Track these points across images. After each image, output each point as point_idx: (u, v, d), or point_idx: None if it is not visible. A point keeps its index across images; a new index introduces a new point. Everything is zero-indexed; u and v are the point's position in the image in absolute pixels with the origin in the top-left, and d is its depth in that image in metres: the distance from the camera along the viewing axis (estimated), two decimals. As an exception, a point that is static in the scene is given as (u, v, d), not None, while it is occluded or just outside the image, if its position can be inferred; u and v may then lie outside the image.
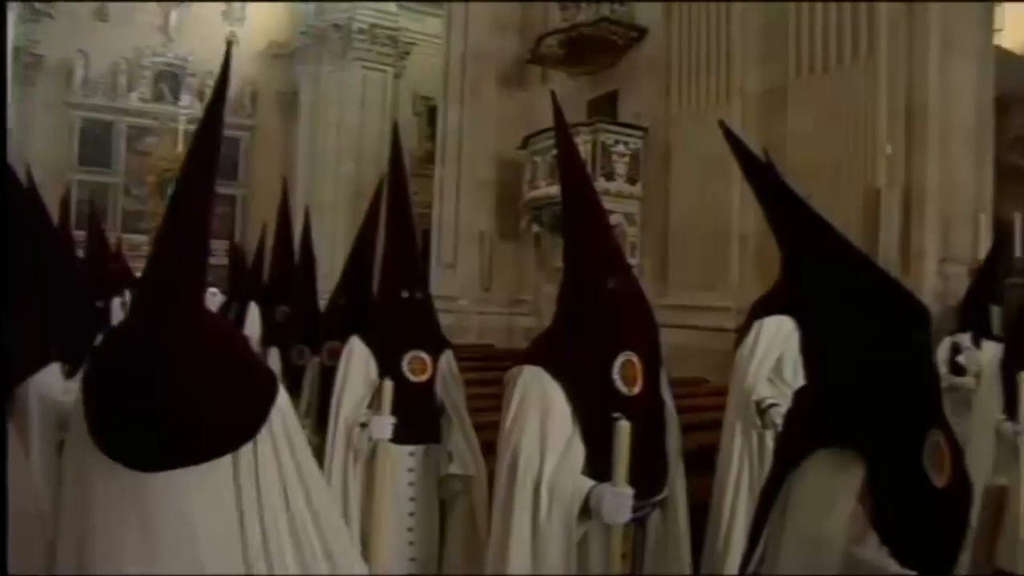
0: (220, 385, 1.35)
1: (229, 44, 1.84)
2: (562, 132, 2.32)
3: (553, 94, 2.52)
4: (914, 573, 1.46)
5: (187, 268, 1.36)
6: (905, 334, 1.58)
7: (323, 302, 3.87)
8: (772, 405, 3.00)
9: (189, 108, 16.38)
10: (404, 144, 3.19)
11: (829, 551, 1.47)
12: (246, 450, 1.31)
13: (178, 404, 1.27)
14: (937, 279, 6.10)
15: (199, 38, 16.80)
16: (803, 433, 1.66)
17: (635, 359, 1.97)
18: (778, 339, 3.03)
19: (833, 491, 1.50)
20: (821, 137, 6.58)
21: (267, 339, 4.29)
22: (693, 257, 7.68)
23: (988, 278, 4.52)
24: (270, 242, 4.84)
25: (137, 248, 14.21)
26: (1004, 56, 9.16)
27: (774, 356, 3.05)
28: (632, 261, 8.41)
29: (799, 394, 1.86)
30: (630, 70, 9.24)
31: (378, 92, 16.10)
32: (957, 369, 4.86)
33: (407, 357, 2.74)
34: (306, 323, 3.90)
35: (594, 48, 9.22)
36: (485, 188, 10.69)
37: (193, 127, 15.78)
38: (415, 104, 16.25)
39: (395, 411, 2.61)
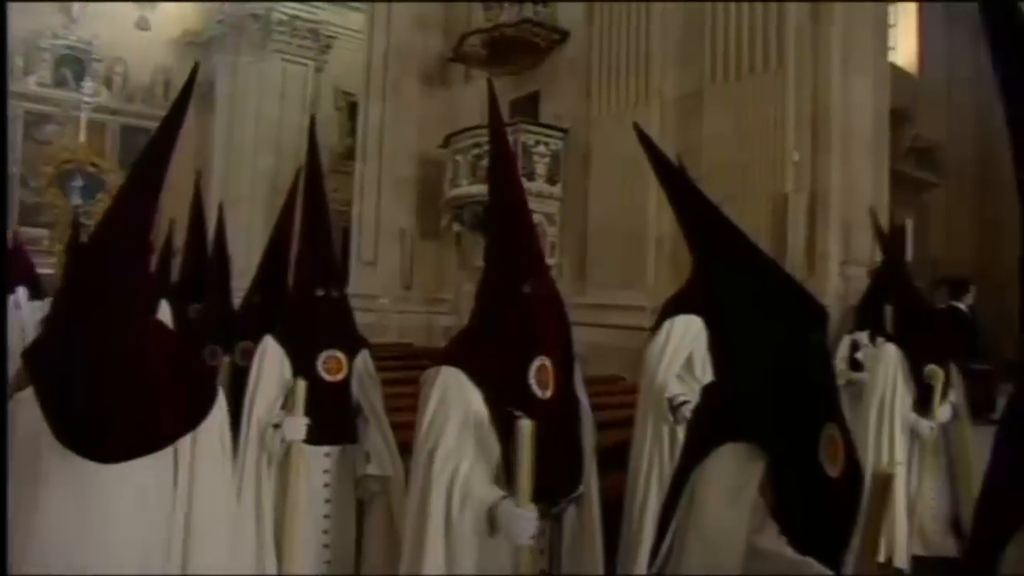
0: (166, 383, 1.54)
1: (194, 72, 1.84)
2: (496, 124, 2.30)
3: (490, 82, 2.52)
4: (809, 559, 1.55)
5: (131, 278, 1.48)
6: (803, 334, 1.67)
7: (238, 300, 3.77)
8: (684, 402, 3.10)
9: (93, 95, 15.58)
10: (324, 140, 3.15)
11: (732, 542, 1.53)
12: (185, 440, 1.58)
13: (129, 404, 1.48)
14: (839, 280, 6.43)
15: (105, 20, 15.98)
16: (708, 429, 1.72)
17: (549, 363, 2.00)
18: (688, 338, 3.13)
19: (736, 484, 1.56)
20: (734, 142, 6.83)
21: (178, 338, 4.14)
22: (611, 257, 7.84)
23: (884, 280, 4.77)
24: (181, 237, 4.67)
25: (37, 242, 13.44)
26: (897, 73, 9.74)
27: (684, 354, 3.15)
28: (551, 261, 8.53)
29: (706, 391, 1.93)
30: (552, 71, 9.35)
31: (298, 85, 15.73)
32: (856, 365, 5.13)
33: (322, 356, 2.70)
34: (219, 322, 3.79)
35: (516, 49, 9.29)
36: (406, 186, 10.61)
37: (98, 116, 14.96)
38: (336, 99, 15.96)
39: (309, 411, 2.57)
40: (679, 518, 1.65)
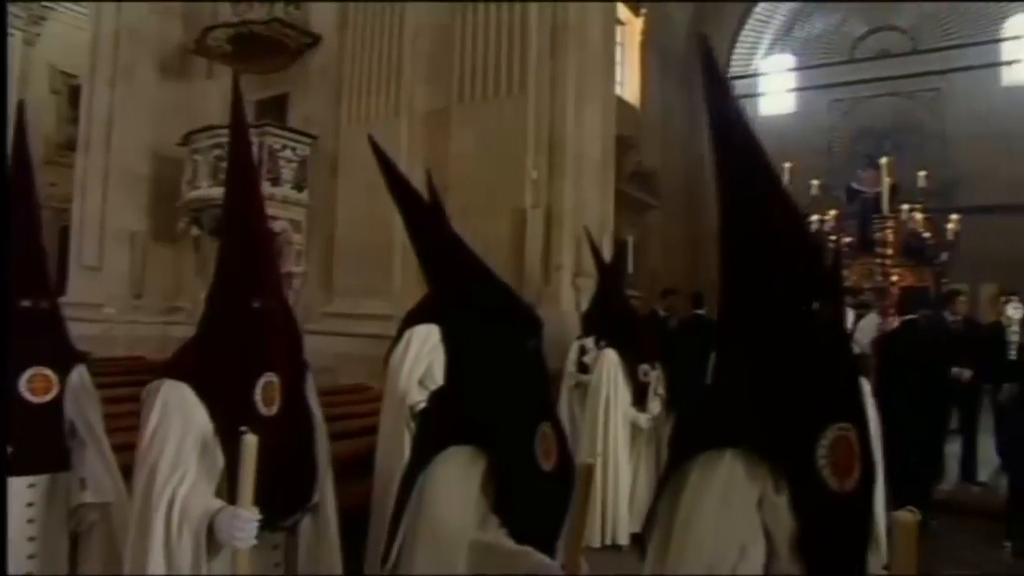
0: None
1: None
2: (238, 124, 2.19)
3: (236, 79, 2.41)
4: (528, 548, 1.71)
5: None
6: (521, 340, 1.84)
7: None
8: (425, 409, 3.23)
9: None
10: (36, 126, 2.81)
11: (457, 540, 1.64)
12: None
13: None
14: (572, 290, 7.04)
15: None
16: (434, 432, 1.83)
17: (277, 380, 1.98)
18: (427, 346, 3.27)
19: (459, 484, 1.68)
20: (479, 159, 7.20)
21: None
22: (358, 265, 7.83)
23: (605, 290, 5.31)
24: None
25: None
26: (623, 105, 10.90)
27: (424, 363, 3.29)
28: (297, 269, 8.31)
29: (433, 396, 2.06)
30: (302, 75, 9.12)
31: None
32: (584, 368, 5.65)
33: (26, 376, 2.42)
34: None
35: (265, 48, 8.93)
36: (138, 184, 9.65)
37: None
38: (53, 80, 14.11)
39: (11, 438, 2.30)
40: (408, 518, 1.73)
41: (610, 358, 4.75)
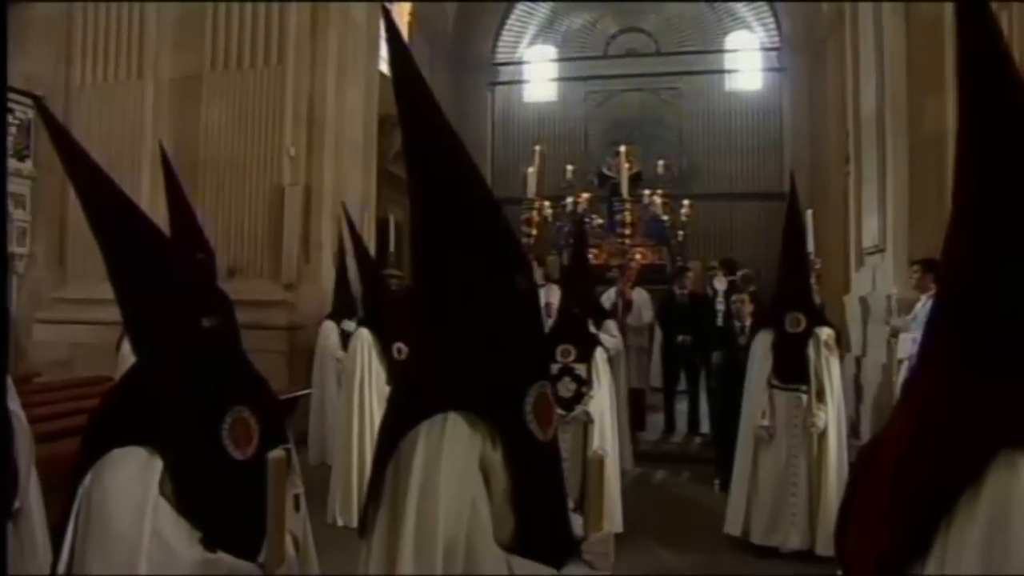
0: None
1: None
2: None
3: None
4: (222, 554, 1.55)
5: None
6: (197, 321, 1.65)
7: None
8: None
9: None
10: None
11: (129, 543, 1.50)
12: None
13: None
14: (332, 269, 6.97)
15: None
16: (100, 435, 1.64)
17: None
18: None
19: (131, 485, 1.53)
20: (234, 133, 6.85)
21: None
22: (95, 246, 7.09)
23: (361, 268, 5.26)
24: None
25: None
26: (389, 86, 10.88)
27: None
28: (21, 249, 7.39)
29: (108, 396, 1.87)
30: (21, 26, 8.00)
31: None
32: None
33: None
34: None
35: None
36: None
37: None
38: None
39: None
40: (77, 524, 1.56)
41: (364, 337, 4.78)
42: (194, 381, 1.61)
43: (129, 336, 1.75)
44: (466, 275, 1.40)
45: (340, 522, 4.63)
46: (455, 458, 1.29)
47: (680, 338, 7.53)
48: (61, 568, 1.53)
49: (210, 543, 1.57)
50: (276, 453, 1.55)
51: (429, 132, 1.46)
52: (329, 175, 7.00)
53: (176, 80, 7.27)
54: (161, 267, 1.68)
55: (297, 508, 1.75)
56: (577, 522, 1.46)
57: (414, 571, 1.26)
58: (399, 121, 1.47)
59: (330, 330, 5.98)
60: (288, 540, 1.57)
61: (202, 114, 6.96)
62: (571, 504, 1.50)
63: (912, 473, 1.25)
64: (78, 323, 6.44)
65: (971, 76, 1.26)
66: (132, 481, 1.52)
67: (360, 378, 4.86)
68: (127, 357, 3.17)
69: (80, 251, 7.24)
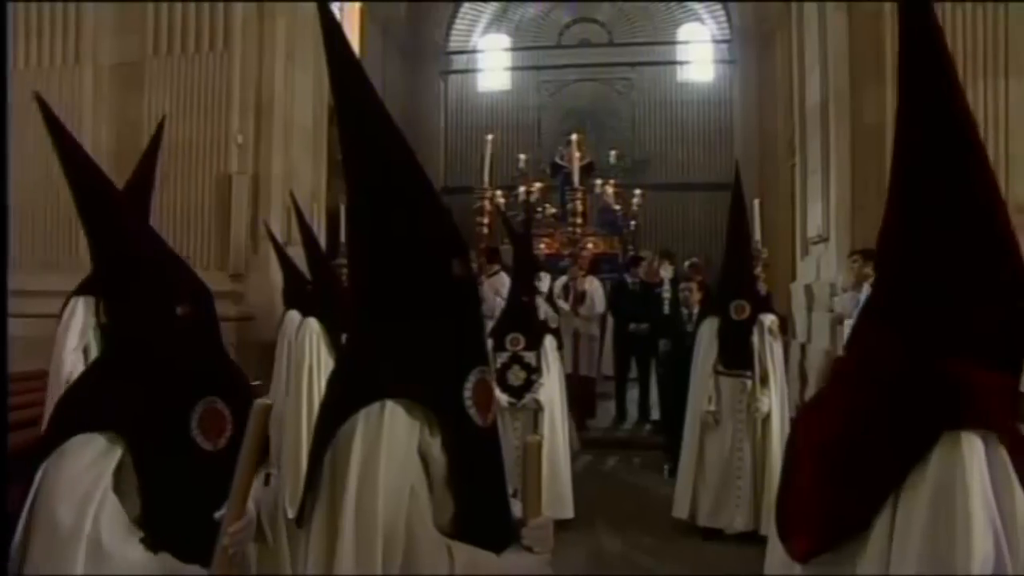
0: None
1: None
2: None
3: None
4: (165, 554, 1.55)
5: None
6: (172, 309, 1.72)
7: None
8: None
9: None
10: None
11: (69, 536, 1.48)
12: None
13: None
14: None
15: None
16: (65, 420, 1.62)
17: None
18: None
19: (80, 477, 1.51)
20: (179, 120, 6.67)
21: None
22: (35, 236, 6.90)
23: (310, 258, 5.19)
24: None
25: None
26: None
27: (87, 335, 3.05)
28: (-46, 238, 7.11)
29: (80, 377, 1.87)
30: (-49, 7, 7.70)
31: None
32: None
33: None
34: None
35: None
36: None
37: None
38: None
39: None
40: (27, 519, 1.53)
41: (312, 327, 4.73)
42: (163, 367, 1.60)
43: (108, 318, 1.78)
44: (400, 261, 1.39)
45: (291, 514, 4.59)
46: (394, 446, 1.29)
47: (633, 326, 7.65)
48: (13, 553, 1.49)
49: (162, 538, 1.55)
50: (261, 401, 1.51)
51: (362, 116, 1.44)
52: (278, 163, 6.88)
53: (116, 66, 7.05)
54: (140, 255, 1.69)
55: (267, 483, 1.71)
56: (518, 507, 1.46)
57: (354, 560, 1.25)
58: (334, 103, 1.45)
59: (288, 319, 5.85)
60: (251, 502, 1.52)
61: (145, 101, 6.77)
62: (511, 490, 1.50)
63: (860, 453, 1.32)
64: (18, 316, 6.21)
65: (911, 71, 1.32)
66: (83, 471, 1.49)
67: (309, 369, 4.82)
68: (65, 351, 3.11)
69: (21, 242, 7.00)
